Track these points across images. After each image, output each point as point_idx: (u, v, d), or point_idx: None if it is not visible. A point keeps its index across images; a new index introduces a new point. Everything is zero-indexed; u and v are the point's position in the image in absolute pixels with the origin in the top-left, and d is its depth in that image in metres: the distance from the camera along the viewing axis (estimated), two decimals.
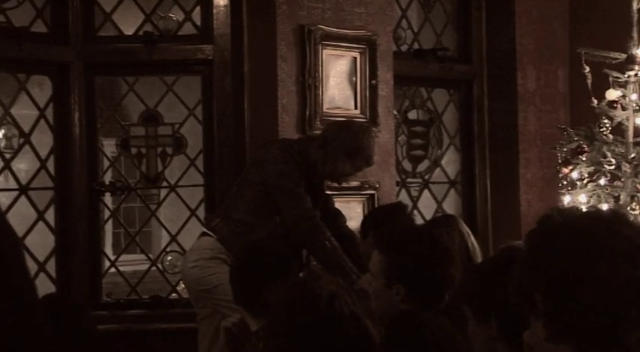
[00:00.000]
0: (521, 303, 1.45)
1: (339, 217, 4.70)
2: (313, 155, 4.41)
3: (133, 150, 5.28)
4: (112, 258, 5.44)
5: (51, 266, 5.09)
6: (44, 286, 4.99)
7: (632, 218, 1.52)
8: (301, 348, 2.08)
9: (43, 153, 5.12)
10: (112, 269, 5.41)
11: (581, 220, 1.44)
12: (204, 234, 4.50)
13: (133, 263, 6.29)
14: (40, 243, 5.13)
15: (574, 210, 1.52)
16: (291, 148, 4.41)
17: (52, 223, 5.10)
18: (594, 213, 1.51)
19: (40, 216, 5.09)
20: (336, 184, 4.72)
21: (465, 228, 4.07)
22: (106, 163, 5.62)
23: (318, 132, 4.85)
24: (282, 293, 2.40)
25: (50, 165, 5.11)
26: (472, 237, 4.07)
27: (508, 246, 2.38)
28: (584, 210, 2.13)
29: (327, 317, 2.11)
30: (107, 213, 5.56)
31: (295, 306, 2.18)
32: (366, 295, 3.08)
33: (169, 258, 5.30)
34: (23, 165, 5.34)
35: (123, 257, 5.77)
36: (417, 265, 2.90)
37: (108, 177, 5.47)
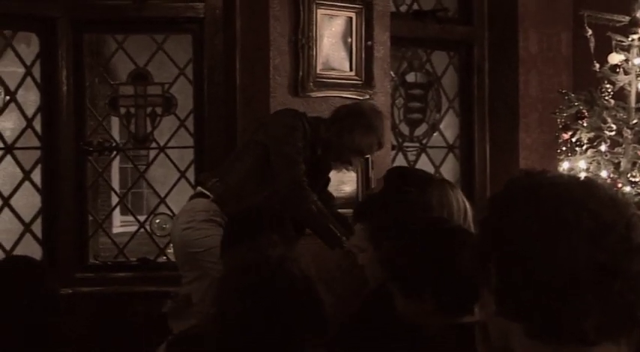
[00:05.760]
0: (476, 272, 1.33)
1: (330, 200, 4.61)
2: (324, 133, 4.32)
3: (122, 110, 5.17)
4: (120, 218, 5.35)
5: (37, 227, 5.00)
6: (30, 247, 4.92)
7: (609, 189, 1.38)
8: (249, 308, 2.01)
9: (30, 112, 5.01)
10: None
11: (549, 189, 1.31)
12: (197, 195, 4.39)
13: (125, 224, 6.22)
14: (26, 203, 5.04)
15: (544, 176, 1.38)
16: (303, 118, 4.32)
17: (38, 183, 5.00)
18: (565, 182, 1.37)
19: (27, 175, 5.00)
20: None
21: (446, 198, 3.81)
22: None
23: (310, 93, 4.77)
24: (234, 254, 2.33)
25: (37, 124, 4.99)
26: (451, 208, 3.82)
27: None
28: (561, 175, 2.00)
29: (277, 277, 2.04)
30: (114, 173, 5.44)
31: (245, 267, 2.11)
32: (354, 256, 3.06)
33: (157, 220, 5.20)
34: (9, 124, 5.22)
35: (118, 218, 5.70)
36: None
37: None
